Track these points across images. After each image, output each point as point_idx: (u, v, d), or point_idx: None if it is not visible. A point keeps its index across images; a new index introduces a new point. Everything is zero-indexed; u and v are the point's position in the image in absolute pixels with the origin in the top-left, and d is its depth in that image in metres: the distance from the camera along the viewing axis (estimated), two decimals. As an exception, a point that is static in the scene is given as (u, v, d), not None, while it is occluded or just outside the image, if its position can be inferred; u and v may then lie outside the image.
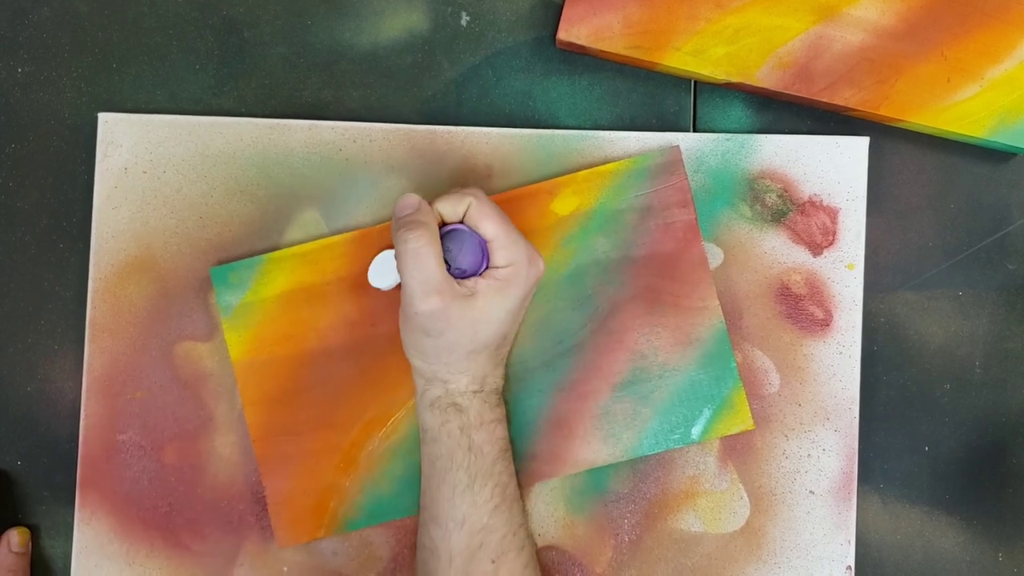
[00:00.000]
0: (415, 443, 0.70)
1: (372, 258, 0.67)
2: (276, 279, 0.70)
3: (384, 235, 0.70)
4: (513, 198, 0.71)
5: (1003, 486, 0.78)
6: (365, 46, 0.73)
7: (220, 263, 0.70)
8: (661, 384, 0.71)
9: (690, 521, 0.73)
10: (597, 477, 0.72)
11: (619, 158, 0.73)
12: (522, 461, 0.70)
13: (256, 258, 0.69)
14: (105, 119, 0.69)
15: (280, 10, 0.72)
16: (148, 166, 0.69)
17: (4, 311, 0.70)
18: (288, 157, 0.71)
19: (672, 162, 0.72)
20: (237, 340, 0.70)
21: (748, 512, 0.73)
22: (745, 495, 0.73)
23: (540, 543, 0.72)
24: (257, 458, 0.70)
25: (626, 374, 0.71)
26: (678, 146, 0.72)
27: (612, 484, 0.72)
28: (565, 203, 0.71)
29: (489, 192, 0.71)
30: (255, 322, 0.70)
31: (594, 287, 0.71)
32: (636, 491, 0.72)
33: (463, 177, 0.72)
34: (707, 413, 0.71)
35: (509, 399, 0.70)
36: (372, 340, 0.70)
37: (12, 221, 0.70)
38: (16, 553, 0.68)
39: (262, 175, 0.70)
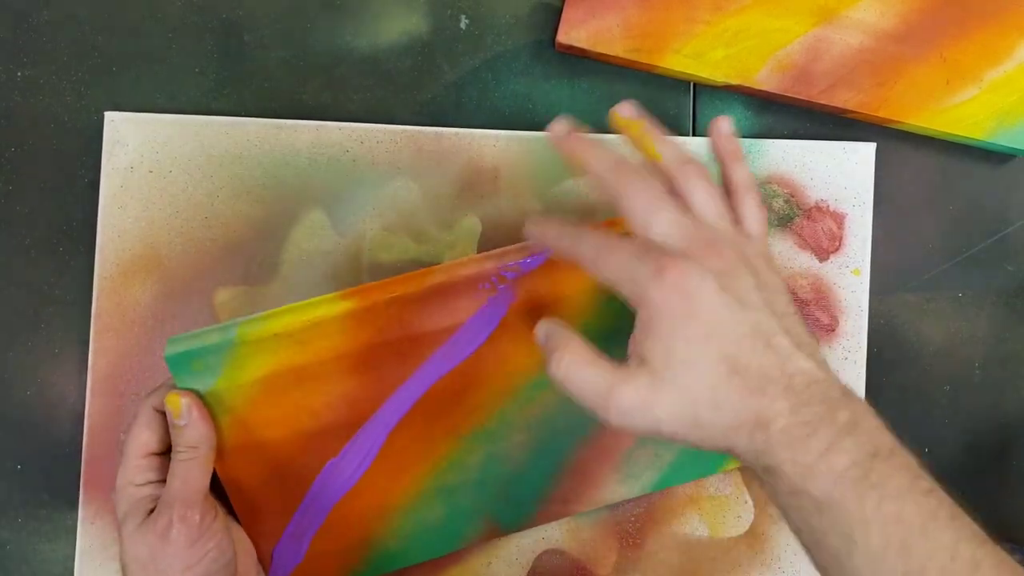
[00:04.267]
0: (424, 504, 0.65)
1: (378, 331, 0.59)
2: (254, 363, 0.59)
3: (396, 305, 0.59)
4: (547, 261, 0.61)
5: (1003, 487, 0.78)
6: (365, 49, 0.73)
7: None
8: None
9: (694, 525, 0.73)
10: (602, 481, 0.71)
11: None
12: (536, 504, 0.67)
13: (224, 340, 0.58)
14: (111, 118, 0.68)
15: (280, 13, 0.72)
16: (154, 165, 0.69)
17: (4, 315, 0.69)
18: (294, 158, 0.70)
19: None
20: None
21: (752, 517, 0.73)
22: (749, 499, 0.73)
23: (544, 546, 0.71)
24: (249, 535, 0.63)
25: None
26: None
27: (617, 487, 0.72)
28: None
29: (497, 191, 0.71)
30: (230, 408, 0.59)
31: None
32: (641, 495, 0.72)
33: (469, 179, 0.72)
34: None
35: (527, 456, 0.65)
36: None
37: (12, 224, 0.69)
38: (177, 427, 0.57)
39: (268, 176, 0.70)
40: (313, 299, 0.59)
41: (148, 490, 0.57)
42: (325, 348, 0.59)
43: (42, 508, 0.69)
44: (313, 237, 0.70)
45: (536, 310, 0.60)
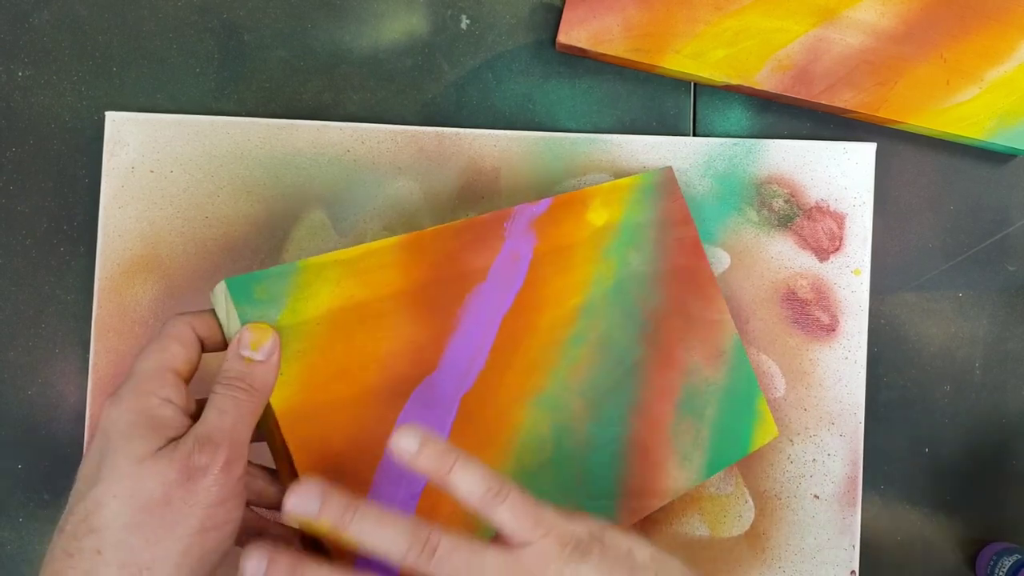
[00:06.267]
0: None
1: (429, 265, 0.59)
2: (319, 293, 0.54)
3: (439, 238, 0.60)
4: (551, 208, 0.65)
5: (1003, 487, 0.78)
6: (365, 49, 0.73)
7: (235, 272, 0.68)
8: (710, 399, 0.69)
9: (695, 525, 0.72)
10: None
11: (626, 161, 0.73)
12: (616, 498, 0.64)
13: (287, 266, 0.54)
14: (112, 118, 0.68)
15: (280, 13, 0.72)
16: (155, 165, 0.69)
17: (4, 315, 0.69)
18: (295, 158, 0.70)
19: (667, 182, 0.71)
20: (278, 379, 0.52)
21: (753, 516, 0.73)
22: (750, 499, 0.73)
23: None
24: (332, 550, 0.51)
25: (680, 391, 0.68)
26: (670, 167, 0.71)
27: (618, 487, 0.72)
28: (598, 214, 0.68)
29: (498, 192, 0.71)
30: (300, 352, 0.53)
31: (637, 300, 0.68)
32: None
33: (470, 179, 0.72)
34: (747, 425, 0.70)
35: (591, 429, 0.64)
36: None
37: (12, 224, 0.69)
38: (247, 359, 0.49)
39: (269, 175, 0.70)
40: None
41: (170, 411, 0.47)
42: (383, 282, 0.57)
43: (42, 508, 0.69)
44: (314, 237, 0.70)
45: (555, 252, 0.64)
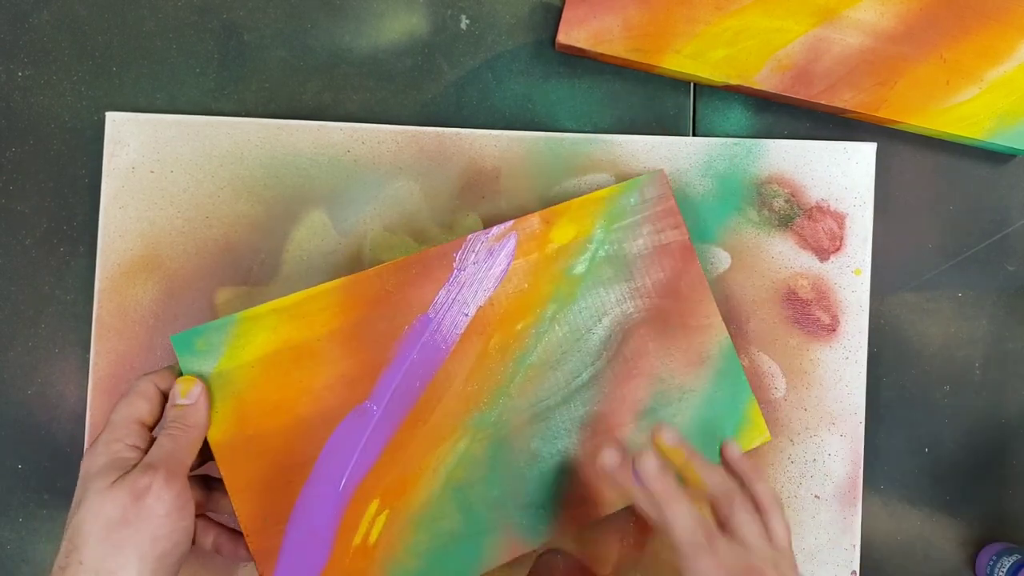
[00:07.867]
0: (438, 510, 0.64)
1: (368, 303, 0.64)
2: (255, 339, 0.62)
3: (380, 277, 0.65)
4: (509, 230, 0.67)
5: (1003, 487, 0.78)
6: (365, 49, 0.73)
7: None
8: (682, 407, 0.69)
9: (695, 524, 0.72)
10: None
11: (626, 161, 0.73)
12: (559, 508, 0.66)
13: (227, 319, 0.62)
14: (113, 118, 0.68)
15: (280, 14, 0.72)
16: (155, 165, 0.69)
17: (4, 315, 0.69)
18: (296, 158, 0.70)
19: (659, 185, 0.70)
20: (214, 417, 0.61)
21: (752, 515, 0.73)
22: (750, 498, 0.73)
23: (547, 546, 0.71)
24: (253, 554, 0.61)
25: (647, 401, 0.68)
26: (663, 170, 0.71)
27: (618, 487, 0.72)
28: (563, 232, 0.68)
29: (498, 192, 0.71)
30: (235, 392, 0.62)
31: (604, 314, 0.68)
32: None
33: (470, 179, 0.72)
34: (729, 430, 0.69)
35: (534, 443, 0.66)
36: None
37: (12, 224, 0.69)
38: (179, 405, 0.60)
39: (269, 175, 0.70)
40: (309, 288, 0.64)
41: (133, 453, 0.57)
42: (320, 322, 0.64)
43: (42, 508, 0.69)
44: (314, 237, 0.70)
45: (509, 275, 0.67)
